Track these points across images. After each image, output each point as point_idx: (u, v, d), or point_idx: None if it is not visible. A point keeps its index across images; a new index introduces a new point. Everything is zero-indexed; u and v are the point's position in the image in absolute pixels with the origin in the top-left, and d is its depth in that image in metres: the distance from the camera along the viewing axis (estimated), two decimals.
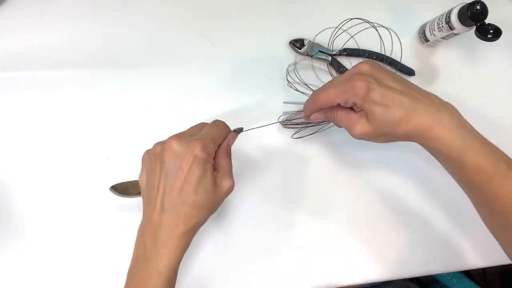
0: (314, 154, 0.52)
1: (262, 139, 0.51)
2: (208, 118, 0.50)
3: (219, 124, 0.40)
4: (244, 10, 0.54)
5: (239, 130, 0.42)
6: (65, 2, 0.51)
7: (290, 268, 0.49)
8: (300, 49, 0.53)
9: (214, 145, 0.37)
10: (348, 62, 0.54)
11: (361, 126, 0.37)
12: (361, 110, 0.37)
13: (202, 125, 0.40)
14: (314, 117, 0.42)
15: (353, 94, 0.35)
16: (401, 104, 0.35)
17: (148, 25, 0.52)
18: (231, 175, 0.38)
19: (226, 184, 0.37)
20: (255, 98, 0.52)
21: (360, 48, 0.54)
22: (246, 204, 0.50)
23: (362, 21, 0.52)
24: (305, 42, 0.53)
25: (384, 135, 0.37)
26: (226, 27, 0.53)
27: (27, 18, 0.50)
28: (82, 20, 0.51)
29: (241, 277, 0.48)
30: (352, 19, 0.52)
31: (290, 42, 0.53)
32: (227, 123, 0.41)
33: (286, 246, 0.49)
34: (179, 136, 0.36)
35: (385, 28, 0.54)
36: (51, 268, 0.46)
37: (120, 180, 0.49)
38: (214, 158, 0.38)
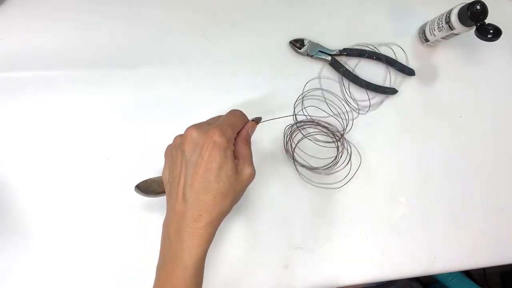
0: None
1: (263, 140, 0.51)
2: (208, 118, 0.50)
3: (236, 113, 0.39)
4: (244, 11, 0.54)
5: (257, 120, 0.42)
6: (65, 2, 0.51)
7: (290, 268, 0.49)
8: (300, 49, 0.53)
9: (233, 131, 0.37)
10: (348, 62, 0.54)
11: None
12: None
13: (219, 116, 0.40)
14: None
15: None
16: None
17: (148, 25, 0.52)
18: (251, 163, 0.37)
19: (247, 171, 0.36)
20: (255, 98, 0.52)
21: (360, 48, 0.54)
22: (246, 204, 0.50)
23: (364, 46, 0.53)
24: (305, 42, 0.53)
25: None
26: (226, 27, 0.53)
27: (27, 18, 0.50)
28: (82, 20, 0.51)
29: (241, 277, 0.48)
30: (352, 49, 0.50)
31: (290, 42, 0.53)
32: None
33: (286, 246, 0.49)
34: (198, 126, 0.36)
35: (390, 47, 0.54)
36: (51, 268, 0.46)
37: (120, 181, 0.49)
38: (234, 145, 0.37)
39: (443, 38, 0.52)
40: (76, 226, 0.47)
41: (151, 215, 0.48)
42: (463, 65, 0.57)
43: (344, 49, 0.53)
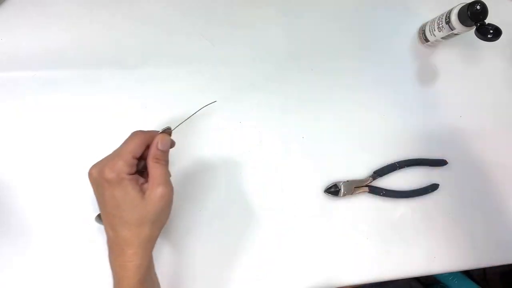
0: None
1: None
2: (208, 118, 0.50)
3: (133, 135, 0.38)
4: (244, 10, 0.54)
5: (167, 130, 0.40)
6: (65, 2, 0.50)
7: (290, 268, 0.49)
8: (337, 194, 0.50)
9: (125, 160, 0.35)
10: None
11: None
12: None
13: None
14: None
15: None
16: None
17: (148, 25, 0.52)
18: (161, 182, 0.36)
19: (156, 193, 0.35)
20: (255, 98, 0.52)
21: None
22: (246, 204, 0.50)
23: None
24: (339, 186, 0.51)
25: None
26: (226, 27, 0.53)
27: (27, 18, 0.50)
28: (82, 20, 0.51)
29: (241, 277, 0.48)
30: None
31: (325, 191, 0.51)
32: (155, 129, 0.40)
33: (286, 245, 0.49)
34: (96, 165, 0.37)
35: None
36: (51, 269, 0.46)
37: None
38: (142, 168, 0.38)
39: (443, 38, 0.52)
40: (76, 226, 0.47)
41: None
42: (463, 65, 0.57)
43: (374, 172, 0.52)
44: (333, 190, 0.50)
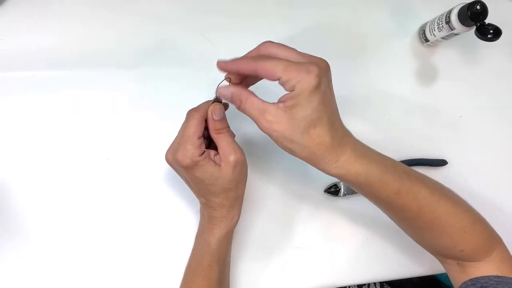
0: None
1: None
2: None
3: (189, 116, 0.38)
4: (244, 10, 0.54)
5: (217, 99, 0.39)
6: (65, 2, 0.50)
7: (290, 268, 0.49)
8: (337, 195, 0.51)
9: (192, 143, 0.37)
10: None
11: (277, 119, 0.33)
12: (282, 102, 0.33)
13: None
14: (224, 90, 0.37)
15: (301, 78, 0.32)
16: (322, 122, 0.33)
17: (148, 25, 0.52)
18: (230, 151, 0.38)
19: (230, 162, 0.37)
20: None
21: None
22: (246, 204, 0.50)
23: None
24: (339, 185, 0.51)
25: (291, 142, 0.34)
26: (226, 28, 0.53)
27: (27, 18, 0.50)
28: (82, 20, 0.51)
29: (241, 277, 0.48)
30: None
31: (325, 191, 0.51)
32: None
33: (286, 246, 0.49)
34: (168, 151, 0.40)
35: None
36: (51, 269, 0.46)
37: (120, 181, 0.49)
38: (210, 141, 0.40)
39: (443, 38, 0.52)
40: (76, 226, 0.47)
41: (151, 215, 0.48)
42: (463, 65, 0.57)
43: None
44: (333, 190, 0.50)
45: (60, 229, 0.47)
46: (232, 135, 0.40)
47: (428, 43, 0.55)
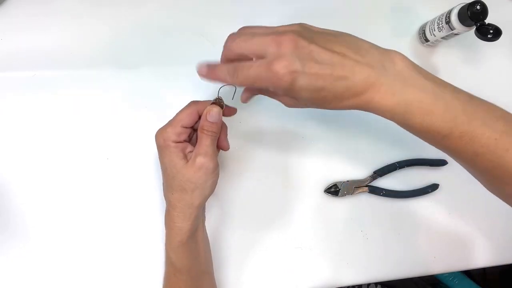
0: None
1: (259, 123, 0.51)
2: None
3: (188, 104, 0.39)
4: (244, 10, 0.54)
5: (218, 101, 0.39)
6: (65, 2, 0.50)
7: (290, 268, 0.49)
8: (337, 194, 0.51)
9: (173, 128, 0.37)
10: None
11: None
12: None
13: None
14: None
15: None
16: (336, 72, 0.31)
17: (148, 25, 0.52)
18: (202, 152, 0.36)
19: (196, 162, 0.36)
20: (254, 97, 0.52)
21: None
22: (246, 204, 0.50)
23: None
24: (339, 186, 0.51)
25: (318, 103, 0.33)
26: (226, 27, 0.53)
27: (27, 18, 0.50)
28: (82, 20, 0.51)
29: (242, 276, 0.48)
30: None
31: (325, 191, 0.51)
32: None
33: (286, 246, 0.49)
34: (160, 128, 0.39)
35: None
36: (51, 269, 0.46)
37: (120, 181, 0.49)
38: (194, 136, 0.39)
39: (443, 38, 0.52)
40: (76, 226, 0.47)
41: (151, 215, 0.48)
42: (463, 65, 0.57)
43: (374, 172, 0.51)
44: (333, 190, 0.50)
45: (60, 229, 0.47)
46: (215, 142, 0.38)
47: (428, 43, 0.55)
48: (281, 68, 0.30)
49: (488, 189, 0.39)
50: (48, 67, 0.49)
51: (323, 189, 0.50)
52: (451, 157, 0.36)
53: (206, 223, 0.44)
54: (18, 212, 0.46)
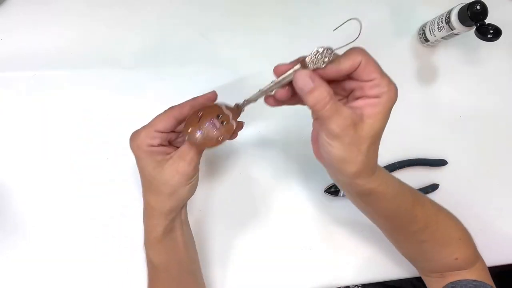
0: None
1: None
2: None
3: (166, 109, 0.38)
4: (244, 10, 0.54)
5: (239, 108, 0.39)
6: (65, 2, 0.50)
7: (290, 268, 0.49)
8: (337, 194, 0.51)
9: (147, 132, 0.36)
10: None
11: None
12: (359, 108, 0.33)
13: None
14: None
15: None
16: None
17: (148, 26, 0.52)
18: (182, 156, 0.35)
19: (172, 166, 0.35)
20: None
21: None
22: (246, 204, 0.50)
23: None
24: None
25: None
26: (226, 28, 0.53)
27: (27, 18, 0.50)
28: (82, 20, 0.51)
29: (242, 277, 0.48)
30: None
31: (325, 191, 0.51)
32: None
33: (286, 246, 0.49)
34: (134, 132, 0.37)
35: None
36: (51, 268, 0.46)
37: (120, 181, 0.49)
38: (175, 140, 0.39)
39: (443, 38, 0.52)
40: (76, 226, 0.47)
41: None
42: (463, 65, 0.57)
43: None
44: (333, 190, 0.50)
45: (59, 229, 0.47)
46: (194, 150, 0.36)
47: (428, 43, 0.55)
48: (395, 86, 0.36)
49: (423, 259, 0.45)
50: (48, 67, 0.49)
51: (323, 189, 0.50)
52: (406, 231, 0.42)
53: (206, 223, 0.44)
54: (18, 212, 0.46)
